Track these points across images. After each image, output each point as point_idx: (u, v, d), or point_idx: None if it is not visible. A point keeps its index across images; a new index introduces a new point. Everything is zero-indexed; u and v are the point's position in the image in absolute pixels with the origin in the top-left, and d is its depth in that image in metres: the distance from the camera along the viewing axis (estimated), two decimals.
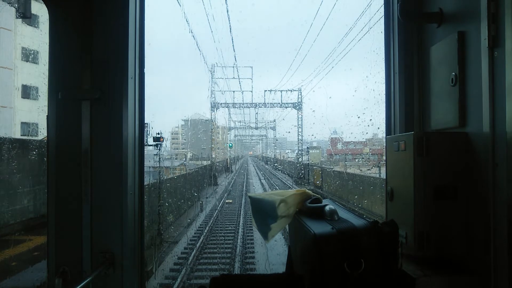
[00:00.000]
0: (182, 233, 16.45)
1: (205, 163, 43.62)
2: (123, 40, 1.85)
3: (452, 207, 1.51)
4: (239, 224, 17.45)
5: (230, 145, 79.06)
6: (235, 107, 44.04)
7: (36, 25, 25.74)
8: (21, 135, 24.76)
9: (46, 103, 1.86)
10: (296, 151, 46.30)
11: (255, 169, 63.99)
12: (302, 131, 43.01)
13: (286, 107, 42.21)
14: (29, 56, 26.34)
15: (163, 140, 18.76)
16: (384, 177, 1.88)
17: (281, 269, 1.71)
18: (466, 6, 1.56)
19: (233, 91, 44.11)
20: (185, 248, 14.03)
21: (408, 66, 1.98)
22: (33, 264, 8.91)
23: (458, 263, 1.52)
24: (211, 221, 18.06)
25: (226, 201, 23.98)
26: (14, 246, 9.92)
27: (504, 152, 1.29)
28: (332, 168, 31.60)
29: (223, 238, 15.06)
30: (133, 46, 1.90)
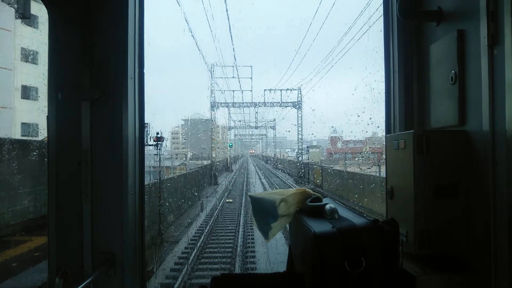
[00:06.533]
0: (182, 233, 16.46)
1: (205, 162, 43.63)
2: (122, 40, 1.85)
3: (452, 205, 1.51)
4: (239, 223, 17.46)
5: (230, 144, 79.16)
6: (235, 107, 44.15)
7: (35, 26, 25.74)
8: (21, 136, 24.76)
9: (46, 103, 1.86)
10: (296, 150, 46.30)
11: (255, 168, 63.94)
12: (302, 130, 43.08)
13: (286, 106, 42.27)
14: (28, 56, 26.34)
15: (163, 140, 18.76)
16: (384, 176, 1.89)
17: (282, 268, 1.71)
18: (465, 4, 1.56)
19: (233, 91, 44.19)
20: (185, 248, 14.04)
21: (408, 64, 1.98)
22: (34, 265, 8.92)
23: (458, 261, 1.53)
24: (212, 220, 18.07)
25: (227, 200, 23.99)
26: (15, 246, 9.93)
27: (504, 150, 1.29)
28: (332, 167, 31.61)
29: (224, 237, 15.07)
30: (132, 46, 1.90)
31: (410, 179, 1.53)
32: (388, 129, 2.06)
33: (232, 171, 54.46)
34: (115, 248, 1.81)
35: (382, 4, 2.12)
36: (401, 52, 1.99)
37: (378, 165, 28.40)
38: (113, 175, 1.82)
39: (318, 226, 1.31)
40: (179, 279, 10.62)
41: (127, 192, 1.83)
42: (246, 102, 42.62)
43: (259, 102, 41.76)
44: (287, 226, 1.64)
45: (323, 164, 39.30)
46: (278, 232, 1.55)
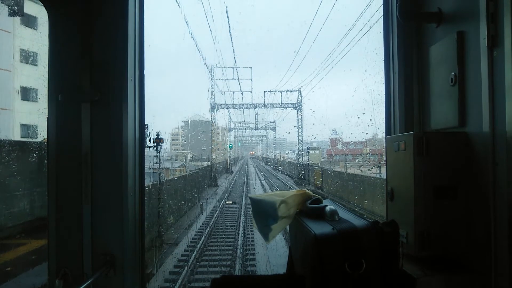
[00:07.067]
0: (182, 235, 16.44)
1: (205, 164, 43.61)
2: (122, 42, 1.85)
3: (452, 206, 1.51)
4: (239, 225, 17.44)
5: (230, 146, 79.21)
6: (235, 108, 44.14)
7: (35, 27, 25.74)
8: (21, 137, 24.74)
9: (45, 105, 1.85)
10: (296, 152, 46.29)
11: (255, 170, 63.86)
12: (302, 131, 43.08)
13: (286, 108, 42.31)
14: (28, 58, 26.33)
15: (162, 141, 18.74)
16: (384, 177, 1.89)
17: (282, 270, 1.71)
18: (465, 6, 1.56)
19: (233, 92, 44.29)
20: (185, 250, 14.01)
21: (408, 66, 1.98)
22: (33, 267, 8.90)
23: (458, 262, 1.53)
24: (212, 222, 18.05)
25: (227, 202, 23.96)
26: (15, 248, 9.92)
27: (504, 151, 1.30)
28: (332, 169, 31.60)
29: (224, 239, 15.05)
30: (132, 48, 1.90)
31: (410, 181, 1.53)
32: (388, 131, 2.06)
33: (232, 172, 54.42)
34: (115, 250, 1.80)
35: (382, 6, 2.12)
36: (401, 53, 1.99)
37: (378, 166, 28.42)
38: (113, 176, 1.82)
39: (318, 228, 1.31)
40: (179, 281, 10.61)
41: (127, 194, 1.83)
42: (246, 104, 42.64)
43: (259, 104, 41.79)
44: (287, 227, 1.64)
45: (323, 166, 39.30)
46: (278, 233, 1.55)
